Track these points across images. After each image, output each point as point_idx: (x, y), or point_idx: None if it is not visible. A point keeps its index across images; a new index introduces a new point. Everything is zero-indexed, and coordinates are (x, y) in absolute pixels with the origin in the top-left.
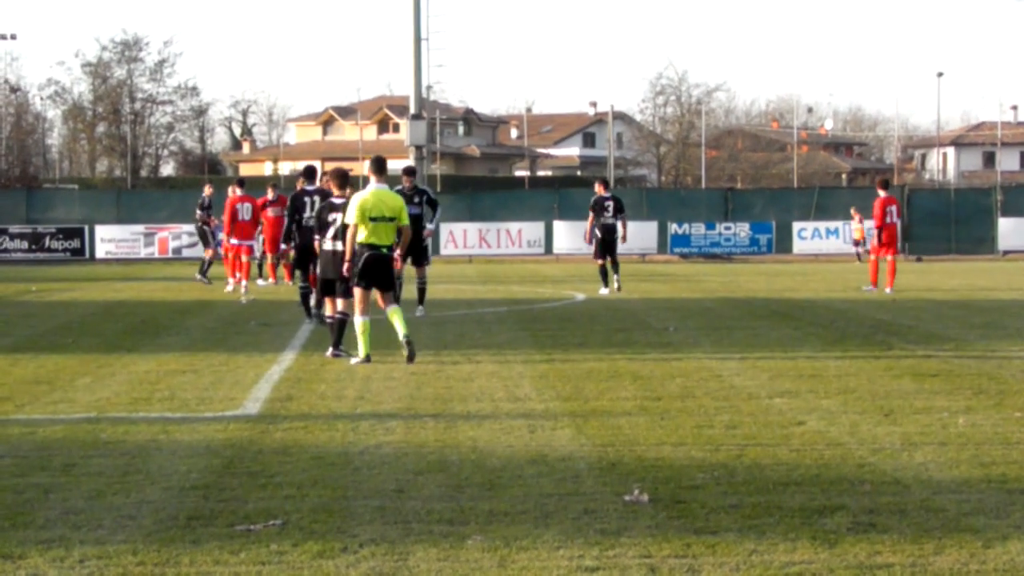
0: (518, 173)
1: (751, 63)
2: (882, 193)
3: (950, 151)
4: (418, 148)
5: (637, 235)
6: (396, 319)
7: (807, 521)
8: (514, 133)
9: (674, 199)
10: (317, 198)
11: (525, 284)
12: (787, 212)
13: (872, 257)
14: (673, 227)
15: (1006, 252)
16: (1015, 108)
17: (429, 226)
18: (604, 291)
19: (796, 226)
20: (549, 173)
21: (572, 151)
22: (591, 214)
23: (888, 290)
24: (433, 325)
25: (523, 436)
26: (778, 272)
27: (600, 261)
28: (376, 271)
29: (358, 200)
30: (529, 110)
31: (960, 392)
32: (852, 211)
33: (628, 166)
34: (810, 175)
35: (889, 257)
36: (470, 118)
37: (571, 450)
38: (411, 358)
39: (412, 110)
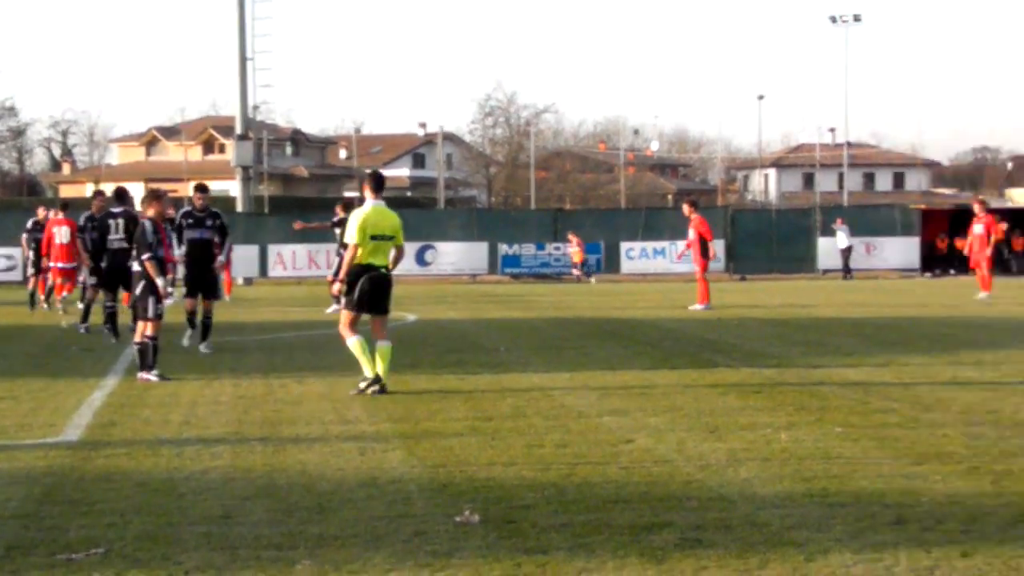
0: (347, 194)
1: (578, 85)
2: (697, 213)
3: (771, 172)
4: (245, 169)
5: (467, 256)
6: (383, 360)
7: (636, 538)
8: (343, 154)
9: (504, 220)
10: (122, 220)
11: None
12: (615, 232)
13: (701, 274)
14: (503, 248)
15: (825, 271)
16: (833, 131)
17: (222, 259)
18: (334, 309)
19: (624, 246)
20: None
21: (402, 172)
22: (336, 231)
23: (708, 306)
24: (261, 348)
25: (353, 459)
26: (607, 292)
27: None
28: (377, 294)
29: (359, 218)
30: (358, 131)
31: (783, 408)
32: (569, 235)
33: (458, 187)
34: (637, 196)
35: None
36: (298, 138)
37: (402, 472)
38: (382, 391)
39: (238, 130)
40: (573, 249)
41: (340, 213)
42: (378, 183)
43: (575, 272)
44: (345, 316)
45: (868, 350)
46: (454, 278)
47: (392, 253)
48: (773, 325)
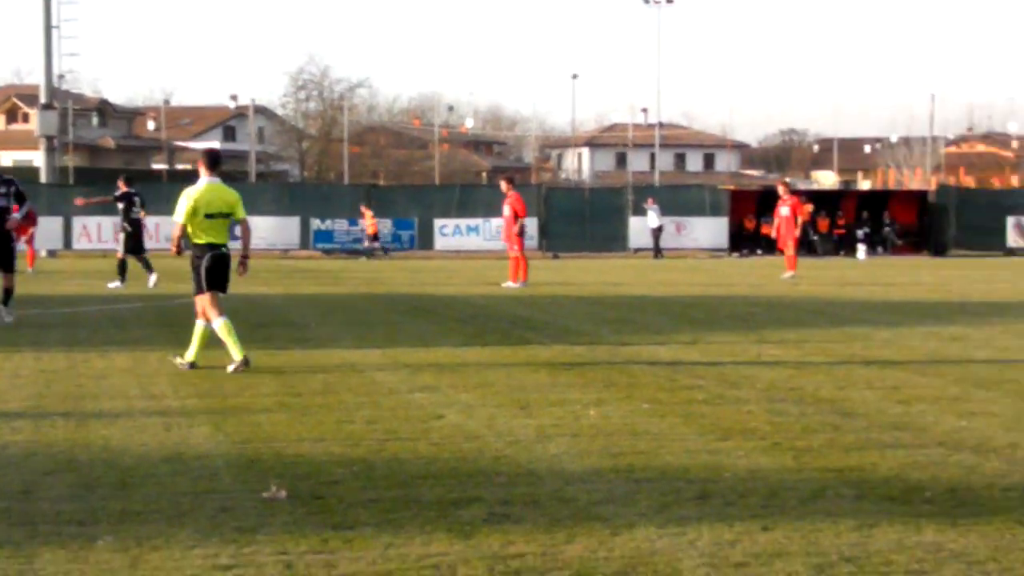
0: (156, 166)
1: (393, 61)
2: (514, 191)
3: (584, 151)
4: (49, 139)
5: (279, 230)
6: (200, 338)
7: (443, 514)
8: (152, 125)
9: (317, 194)
10: None
11: (162, 280)
12: (429, 209)
13: (516, 253)
14: (316, 222)
15: (637, 249)
16: (645, 111)
17: (16, 216)
18: (116, 284)
19: (438, 223)
20: (188, 167)
21: (213, 144)
22: (118, 205)
23: (525, 283)
24: (65, 322)
25: (158, 434)
26: (420, 268)
27: (122, 256)
28: (220, 273)
29: (191, 196)
30: (167, 102)
31: (592, 385)
32: (362, 208)
33: (270, 161)
34: (451, 173)
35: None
36: (105, 109)
37: (208, 448)
38: (192, 366)
39: (42, 100)
40: (367, 222)
41: (122, 187)
42: (213, 160)
43: (366, 243)
44: (203, 300)
45: (676, 328)
46: (265, 252)
47: (237, 229)
48: (585, 303)
